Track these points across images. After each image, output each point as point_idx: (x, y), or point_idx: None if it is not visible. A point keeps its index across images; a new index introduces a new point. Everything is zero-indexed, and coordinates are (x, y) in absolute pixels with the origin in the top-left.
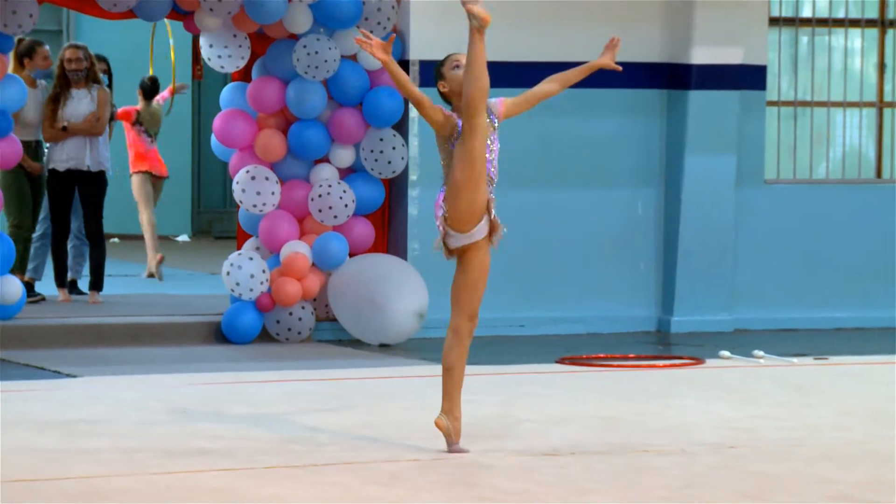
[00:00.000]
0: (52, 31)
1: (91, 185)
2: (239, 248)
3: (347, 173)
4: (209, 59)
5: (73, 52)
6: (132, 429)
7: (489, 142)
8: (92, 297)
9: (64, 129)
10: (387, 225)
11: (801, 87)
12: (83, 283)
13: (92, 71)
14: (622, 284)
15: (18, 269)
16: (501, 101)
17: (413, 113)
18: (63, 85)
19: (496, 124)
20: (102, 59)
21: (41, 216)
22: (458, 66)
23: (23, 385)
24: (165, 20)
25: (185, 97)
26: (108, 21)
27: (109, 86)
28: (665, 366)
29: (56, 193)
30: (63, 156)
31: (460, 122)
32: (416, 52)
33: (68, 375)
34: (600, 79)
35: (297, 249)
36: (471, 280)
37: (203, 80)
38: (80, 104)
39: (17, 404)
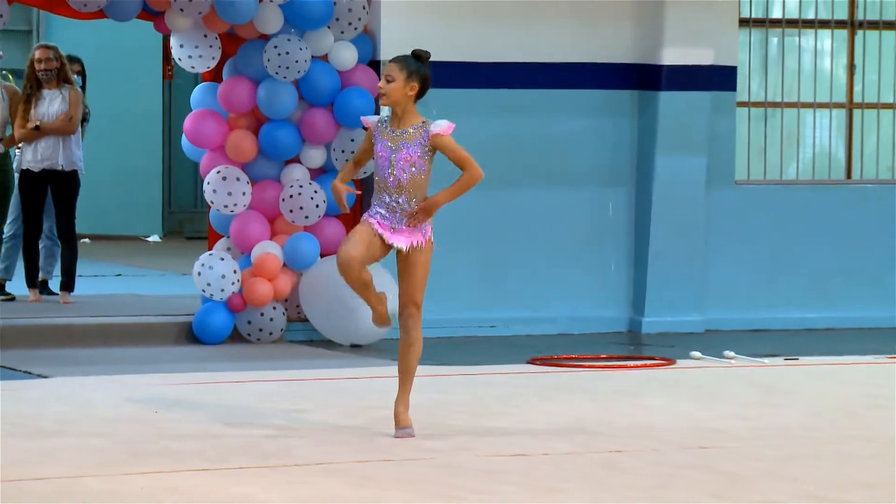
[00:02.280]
0: (23, 30)
1: (64, 185)
2: (210, 248)
3: (319, 174)
4: (180, 60)
5: (44, 52)
6: (103, 429)
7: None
8: (63, 297)
9: (36, 128)
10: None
11: (771, 87)
12: (54, 284)
13: (63, 71)
14: (593, 285)
15: None
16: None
17: (384, 113)
18: (34, 85)
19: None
20: (76, 59)
21: (12, 216)
22: (388, 79)
23: None
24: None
25: (156, 96)
26: (79, 21)
27: (83, 86)
28: (636, 366)
29: (29, 193)
30: (37, 156)
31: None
32: (387, 52)
33: (39, 376)
34: (571, 79)
35: (269, 250)
36: None
37: (173, 81)
38: (51, 104)
39: None
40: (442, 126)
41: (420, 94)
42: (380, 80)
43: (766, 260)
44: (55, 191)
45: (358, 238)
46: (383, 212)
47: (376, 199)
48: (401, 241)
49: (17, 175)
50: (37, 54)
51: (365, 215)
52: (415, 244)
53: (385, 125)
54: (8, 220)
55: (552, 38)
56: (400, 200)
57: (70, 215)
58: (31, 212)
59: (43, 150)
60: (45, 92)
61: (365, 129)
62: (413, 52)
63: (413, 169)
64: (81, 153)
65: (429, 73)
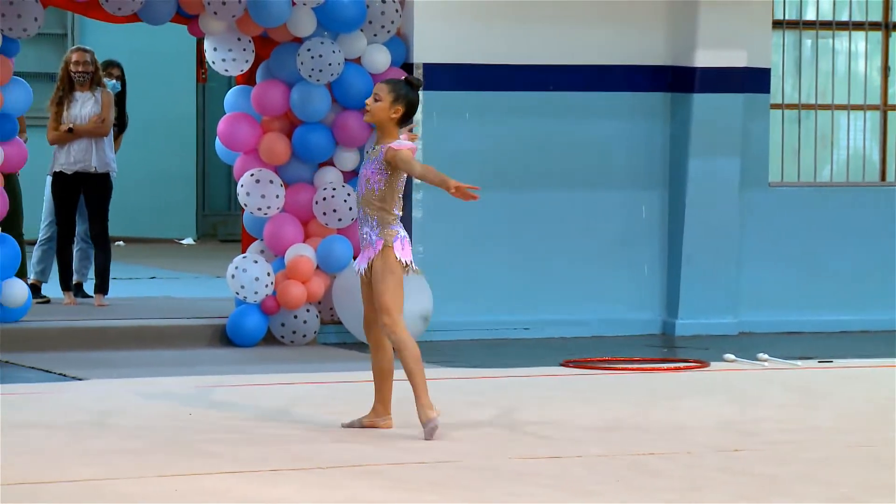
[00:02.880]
0: (57, 34)
1: (97, 188)
2: (244, 251)
3: (352, 176)
4: (213, 63)
5: (80, 55)
6: (137, 431)
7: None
8: (97, 299)
9: (70, 130)
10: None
11: (804, 89)
12: (88, 286)
13: (96, 75)
14: (626, 287)
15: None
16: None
17: (418, 115)
18: (67, 87)
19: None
20: (116, 64)
21: (47, 220)
22: (376, 98)
23: (28, 388)
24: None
25: (190, 100)
26: (113, 24)
27: (123, 92)
28: (669, 369)
29: (62, 196)
30: (70, 158)
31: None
32: (420, 56)
33: (73, 378)
34: (604, 82)
35: (302, 252)
36: None
37: (207, 84)
38: (84, 106)
39: (22, 407)
40: (402, 143)
41: (404, 120)
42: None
43: (799, 262)
44: (88, 193)
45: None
46: (363, 229)
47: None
48: (361, 264)
49: (49, 178)
50: (73, 57)
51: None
52: (371, 258)
53: (371, 144)
54: (42, 224)
55: (586, 40)
56: (361, 215)
57: (103, 218)
58: (64, 214)
59: (76, 153)
60: (78, 94)
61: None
62: (406, 78)
63: (367, 185)
64: (114, 155)
65: (416, 100)
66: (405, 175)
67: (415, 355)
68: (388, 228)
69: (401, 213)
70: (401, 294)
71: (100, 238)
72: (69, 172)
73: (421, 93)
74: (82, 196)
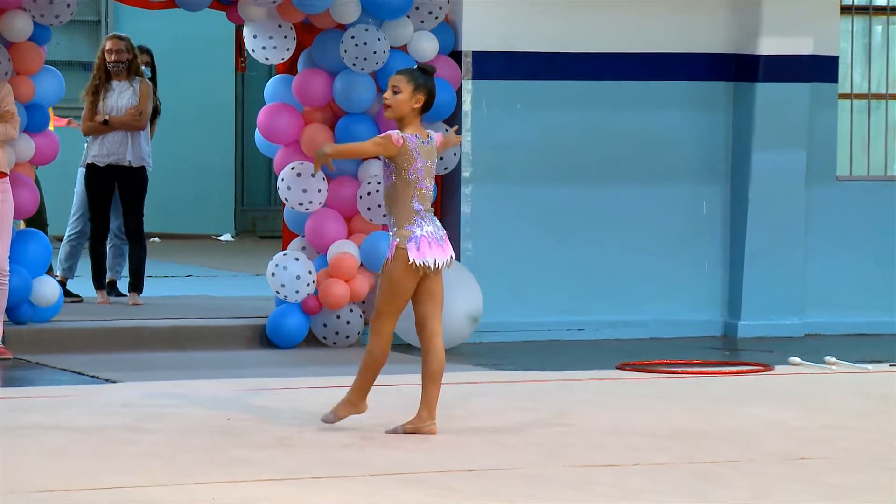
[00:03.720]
0: (91, 20)
1: (132, 182)
2: (284, 247)
3: None
4: (253, 51)
5: (115, 43)
6: (173, 437)
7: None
8: (132, 298)
9: (105, 122)
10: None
11: (874, 78)
12: (122, 285)
13: (134, 63)
14: (686, 286)
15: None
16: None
17: (466, 106)
18: (103, 77)
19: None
20: (146, 50)
21: (77, 214)
22: (395, 91)
23: (59, 391)
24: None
25: (228, 89)
26: (149, 11)
27: (153, 78)
28: (731, 373)
29: (95, 190)
30: (103, 150)
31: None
32: (469, 44)
33: (107, 381)
34: (663, 70)
35: (345, 249)
36: None
37: (246, 73)
38: (121, 97)
39: (53, 410)
40: (402, 134)
41: (425, 108)
42: (385, 91)
43: (869, 260)
44: (122, 188)
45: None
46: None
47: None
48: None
49: (81, 171)
50: (108, 45)
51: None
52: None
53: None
54: (71, 218)
55: (643, 26)
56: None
57: (139, 213)
58: (97, 209)
59: (110, 145)
60: (115, 84)
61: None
62: (419, 65)
63: (383, 182)
64: (150, 149)
65: (434, 88)
66: (421, 168)
67: (371, 364)
68: (403, 228)
69: (424, 209)
70: (395, 298)
71: (135, 235)
72: (101, 165)
73: (470, 82)
74: (116, 191)
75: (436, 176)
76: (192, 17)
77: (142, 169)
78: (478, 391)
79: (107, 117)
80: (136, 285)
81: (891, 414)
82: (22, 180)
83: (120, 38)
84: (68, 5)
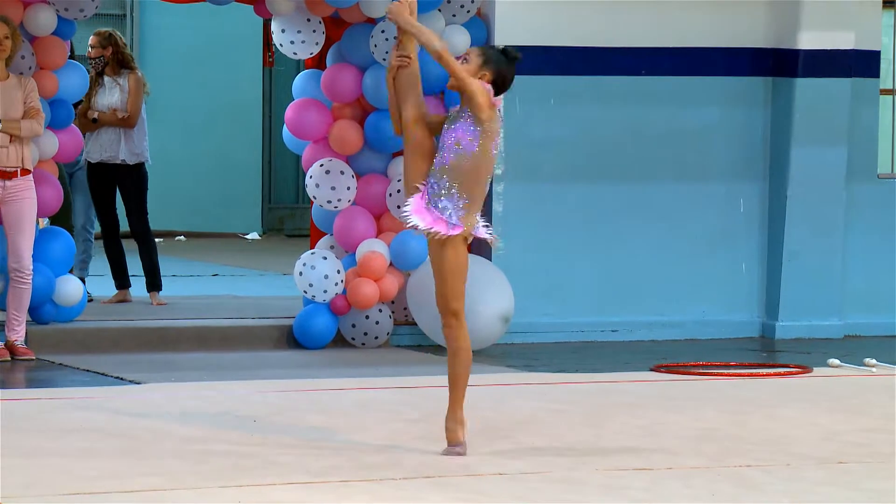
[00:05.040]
0: (116, 14)
1: (129, 180)
2: (312, 246)
3: None
4: (281, 46)
5: (93, 39)
6: (199, 439)
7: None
8: (153, 298)
9: (94, 120)
10: None
11: None
12: (139, 285)
13: (118, 56)
14: (723, 287)
15: None
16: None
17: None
18: (94, 74)
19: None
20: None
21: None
22: (464, 60)
23: (83, 392)
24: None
25: (256, 85)
26: (175, 4)
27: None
28: (769, 374)
29: (94, 188)
30: (96, 147)
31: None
32: (503, 38)
33: (131, 382)
34: (700, 65)
35: (375, 248)
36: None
37: (274, 68)
38: (110, 94)
39: (77, 412)
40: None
41: (495, 89)
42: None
43: None
44: (121, 186)
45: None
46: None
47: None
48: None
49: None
50: (89, 42)
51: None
52: (425, 229)
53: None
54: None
55: (680, 21)
56: (438, 189)
57: (141, 212)
58: (100, 206)
59: (102, 142)
60: (106, 79)
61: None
62: (505, 47)
63: (457, 149)
64: (147, 143)
65: (509, 73)
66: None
67: (466, 365)
68: (472, 215)
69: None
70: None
71: (141, 234)
72: (94, 161)
73: None
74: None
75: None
76: (218, 12)
77: (139, 166)
78: (510, 393)
79: (96, 115)
80: (154, 284)
81: None
82: (45, 177)
83: (98, 33)
84: None
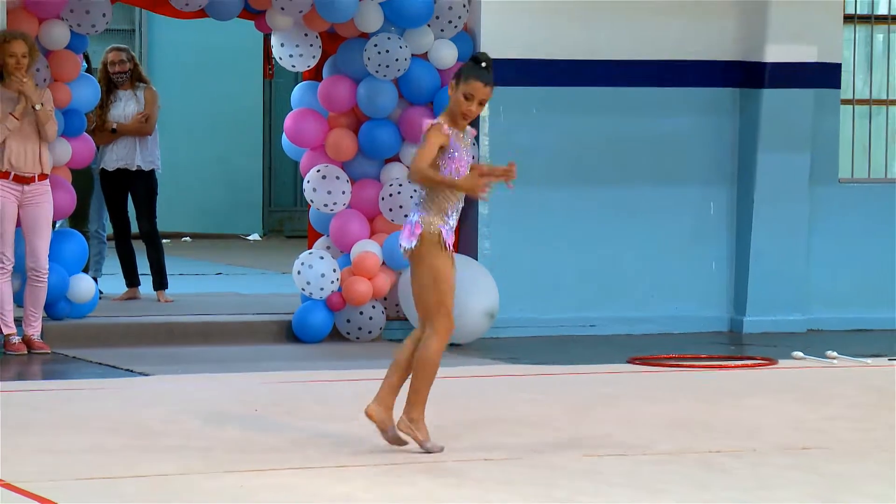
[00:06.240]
0: (126, 30)
1: (142, 185)
2: (310, 247)
3: None
4: (280, 58)
5: (117, 55)
6: (204, 427)
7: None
8: (160, 296)
9: (113, 130)
10: (457, 224)
11: (876, 85)
12: (147, 283)
13: (136, 71)
14: (694, 284)
15: None
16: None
17: (484, 112)
18: (108, 88)
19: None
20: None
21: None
22: (468, 98)
23: (95, 383)
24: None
25: (256, 95)
26: (181, 20)
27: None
28: (737, 366)
29: (108, 194)
30: (113, 156)
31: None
32: (488, 51)
33: (140, 374)
34: (674, 77)
35: (368, 248)
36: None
37: (274, 80)
38: (127, 106)
39: (89, 402)
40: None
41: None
42: (470, 98)
43: (869, 259)
44: (133, 190)
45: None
46: (453, 222)
47: (450, 207)
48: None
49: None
50: (110, 57)
51: (444, 234)
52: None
53: (456, 133)
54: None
55: (655, 35)
56: (452, 205)
57: (151, 215)
58: (113, 211)
59: (119, 151)
60: (121, 93)
61: (434, 130)
62: (483, 59)
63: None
64: (159, 152)
65: (466, 71)
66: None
67: (425, 369)
68: (439, 216)
69: None
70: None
71: (149, 236)
72: (111, 169)
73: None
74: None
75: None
76: (222, 27)
77: (152, 172)
78: (494, 384)
79: (114, 126)
80: (161, 283)
81: (889, 406)
82: (59, 182)
83: (120, 49)
84: (104, 15)
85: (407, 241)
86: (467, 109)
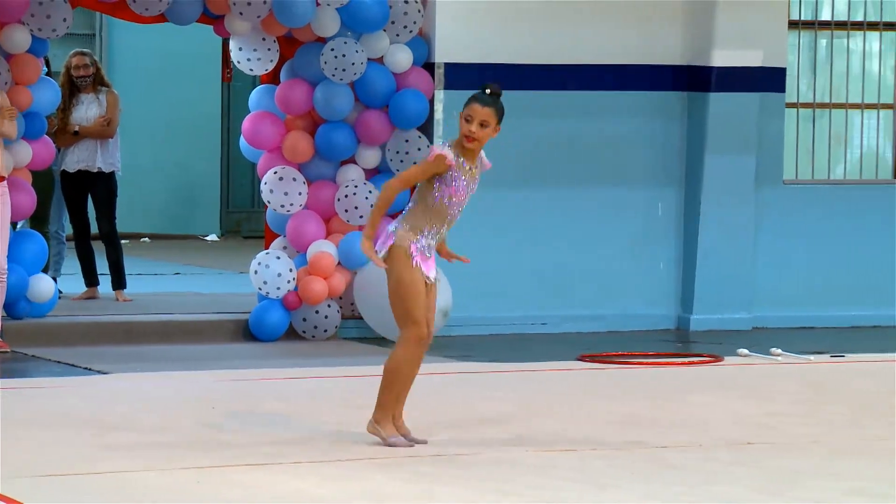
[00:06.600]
0: (86, 34)
1: (102, 187)
2: (267, 247)
3: (373, 174)
4: (238, 62)
5: (80, 59)
6: (162, 424)
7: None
8: (118, 295)
9: (76, 133)
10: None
11: (819, 89)
12: (105, 283)
13: (98, 76)
14: (642, 283)
15: None
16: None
17: (438, 115)
18: (71, 91)
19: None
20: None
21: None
22: (467, 120)
23: (55, 382)
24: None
25: (215, 98)
26: (140, 24)
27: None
28: (684, 363)
29: (69, 195)
30: (74, 158)
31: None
32: (442, 55)
33: (99, 372)
34: (622, 81)
35: (324, 249)
36: None
37: (232, 83)
38: (89, 109)
39: (49, 400)
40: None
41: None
42: (470, 120)
43: (813, 258)
44: (93, 192)
45: (425, 303)
46: (431, 242)
47: (428, 228)
48: (431, 272)
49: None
50: (73, 61)
51: (412, 250)
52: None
53: (461, 162)
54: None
55: (604, 39)
56: (443, 228)
57: (110, 216)
58: (73, 212)
59: (80, 153)
60: (83, 97)
61: (436, 160)
62: (493, 89)
63: (465, 201)
64: (119, 155)
65: (471, 100)
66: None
67: (394, 370)
68: (414, 234)
69: None
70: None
71: (108, 236)
72: (72, 171)
73: (442, 92)
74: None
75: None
76: (181, 31)
77: (112, 174)
78: (448, 381)
79: (76, 128)
80: (119, 282)
81: (831, 401)
82: (19, 184)
83: (84, 53)
84: (65, 19)
85: (379, 247)
86: (467, 131)
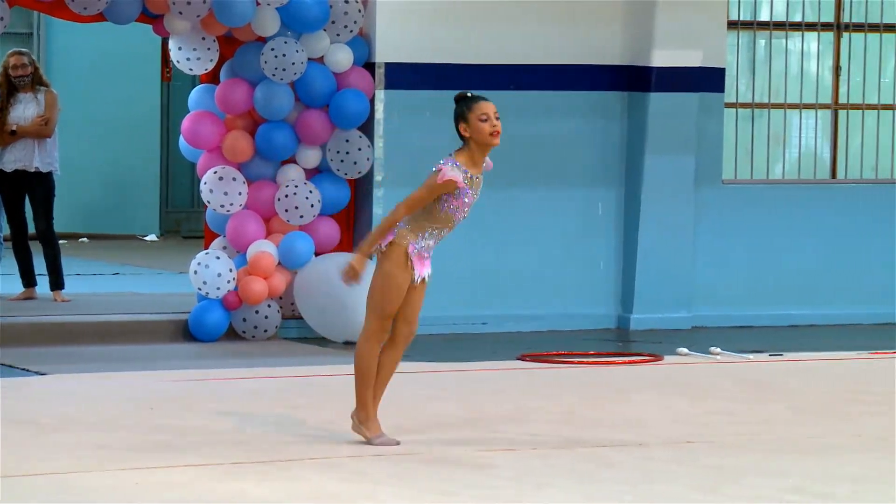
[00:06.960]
0: (24, 33)
1: (39, 186)
2: (206, 247)
3: (314, 174)
4: (178, 62)
5: (18, 59)
6: (100, 425)
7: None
8: (56, 296)
9: (13, 132)
10: (352, 225)
11: (758, 89)
12: (43, 284)
13: (36, 75)
14: (582, 283)
15: None
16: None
17: (378, 114)
18: (9, 90)
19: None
20: None
21: None
22: (484, 119)
23: None
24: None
25: (154, 98)
26: (79, 24)
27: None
28: (624, 362)
29: (6, 195)
30: (11, 157)
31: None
32: (382, 55)
33: (37, 373)
34: (562, 81)
35: (264, 249)
36: None
37: (172, 82)
38: (27, 108)
39: None
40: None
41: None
42: (486, 118)
43: (752, 258)
44: (31, 192)
45: (399, 304)
46: (431, 243)
47: (430, 230)
48: (426, 270)
49: None
50: (11, 61)
51: (410, 250)
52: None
53: (468, 175)
54: None
55: (544, 39)
56: (444, 233)
57: (48, 215)
58: (11, 212)
59: (17, 152)
60: (21, 96)
61: (446, 185)
62: (465, 93)
63: (468, 210)
64: (57, 154)
65: (459, 107)
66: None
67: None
68: (414, 234)
69: None
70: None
71: (46, 236)
72: (9, 170)
73: (382, 91)
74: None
75: (349, 179)
76: (120, 31)
77: (50, 174)
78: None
79: (14, 127)
80: (57, 283)
81: (769, 400)
82: None
83: (22, 53)
84: (1, 18)
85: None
86: (492, 128)
